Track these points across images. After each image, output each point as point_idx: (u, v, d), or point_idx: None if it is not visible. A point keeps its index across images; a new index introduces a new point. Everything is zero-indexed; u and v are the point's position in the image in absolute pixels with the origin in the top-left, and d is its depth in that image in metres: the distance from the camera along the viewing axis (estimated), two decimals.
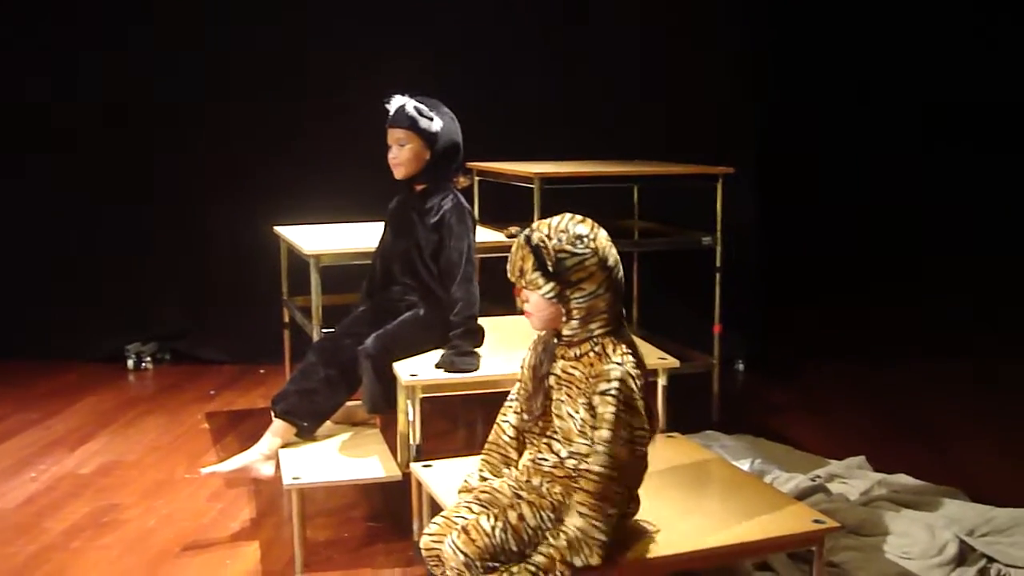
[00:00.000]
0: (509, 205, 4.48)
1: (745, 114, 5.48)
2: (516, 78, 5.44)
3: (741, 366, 5.40)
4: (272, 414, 3.31)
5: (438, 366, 3.09)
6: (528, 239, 2.23)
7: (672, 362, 3.11)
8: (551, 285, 2.21)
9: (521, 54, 5.44)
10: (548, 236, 2.22)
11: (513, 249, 2.27)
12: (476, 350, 3.14)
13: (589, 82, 5.48)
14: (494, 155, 4.76)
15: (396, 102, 3.30)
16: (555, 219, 2.26)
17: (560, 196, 3.99)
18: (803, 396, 4.98)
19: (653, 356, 3.14)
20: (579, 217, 2.27)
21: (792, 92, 6.25)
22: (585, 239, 2.22)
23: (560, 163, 4.67)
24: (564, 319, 2.25)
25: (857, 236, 6.67)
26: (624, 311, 2.30)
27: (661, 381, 3.08)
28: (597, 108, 5.45)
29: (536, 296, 2.25)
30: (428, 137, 3.26)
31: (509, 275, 2.29)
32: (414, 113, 3.24)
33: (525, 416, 2.37)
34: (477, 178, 4.73)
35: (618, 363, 2.20)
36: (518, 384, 2.43)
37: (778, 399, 4.92)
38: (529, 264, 2.22)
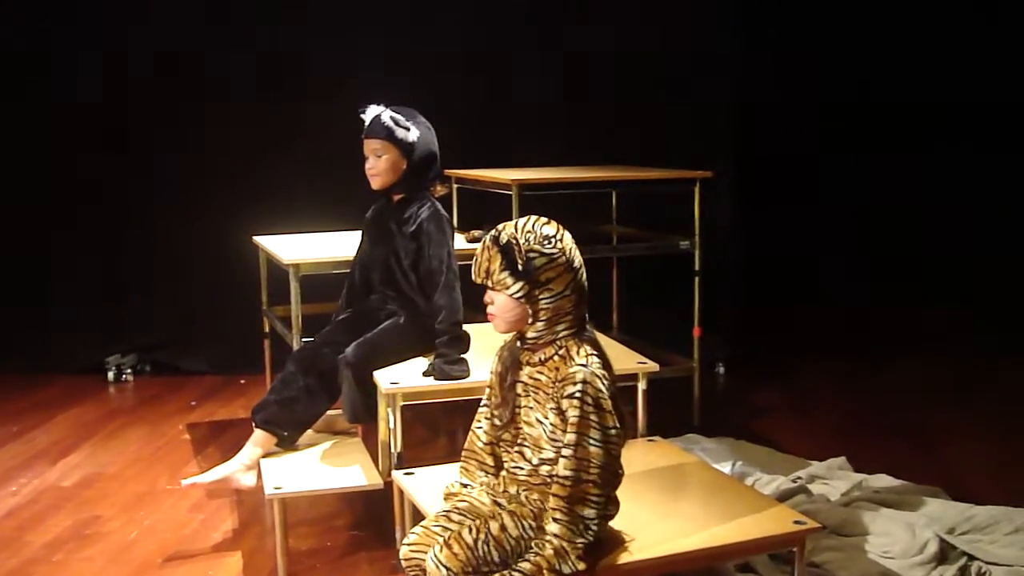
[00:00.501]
0: (487, 212, 4.49)
1: (722, 116, 5.51)
2: (492, 83, 5.47)
3: (721, 369, 5.41)
4: (253, 424, 3.30)
5: (427, 374, 3.09)
6: (496, 239, 2.24)
7: (652, 366, 3.11)
8: (520, 284, 2.22)
9: (498, 59, 5.47)
10: (516, 236, 2.23)
11: (479, 250, 2.28)
12: (464, 356, 3.15)
13: (568, 87, 5.50)
14: (471, 162, 4.77)
15: (371, 112, 3.31)
16: (520, 221, 2.28)
17: (538, 202, 3.99)
18: (784, 398, 5.00)
19: (632, 360, 3.15)
20: (544, 219, 2.29)
21: (769, 93, 6.29)
22: (553, 239, 2.24)
23: (538, 169, 4.68)
24: (530, 320, 2.26)
25: (839, 236, 6.72)
26: (587, 315, 2.31)
27: (641, 385, 3.09)
28: (577, 113, 5.47)
29: (502, 297, 2.25)
30: (405, 147, 3.27)
31: (474, 276, 2.29)
32: (390, 123, 3.25)
33: (496, 423, 2.38)
34: (455, 185, 4.74)
35: (583, 364, 2.20)
36: (488, 390, 2.44)
37: (759, 401, 4.94)
38: (496, 264, 2.23)
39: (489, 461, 2.42)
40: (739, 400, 4.97)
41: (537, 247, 2.22)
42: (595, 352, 2.24)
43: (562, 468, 2.16)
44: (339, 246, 3.90)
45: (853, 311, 6.47)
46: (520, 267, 2.21)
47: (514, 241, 2.22)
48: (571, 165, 4.92)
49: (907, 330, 6.18)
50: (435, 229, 3.26)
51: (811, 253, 6.63)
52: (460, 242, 3.98)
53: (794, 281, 6.49)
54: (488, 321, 2.32)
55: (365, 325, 3.32)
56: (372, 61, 5.29)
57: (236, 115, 5.38)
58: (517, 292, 2.23)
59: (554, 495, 2.17)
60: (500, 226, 2.28)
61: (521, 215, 3.95)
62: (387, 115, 3.25)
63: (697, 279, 4.42)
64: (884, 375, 5.35)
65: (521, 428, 2.31)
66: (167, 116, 5.40)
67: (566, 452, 2.16)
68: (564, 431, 2.19)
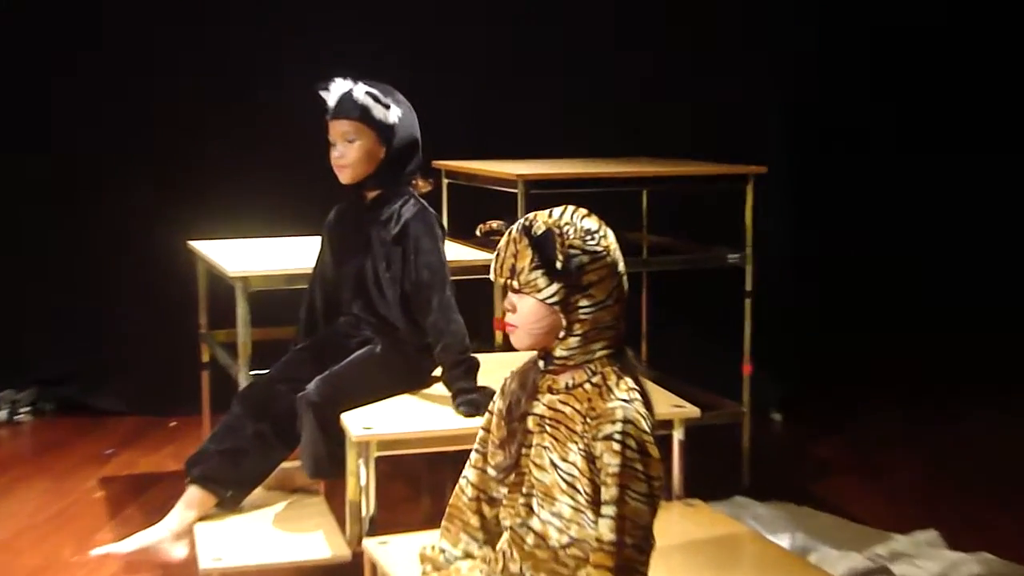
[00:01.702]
0: (485, 215, 4.48)
1: (777, 106, 5.52)
2: (493, 58, 5.48)
3: (777, 415, 5.42)
4: (186, 480, 3.29)
5: (463, 413, 3.10)
6: (527, 229, 2.22)
7: (691, 411, 3.11)
8: (556, 287, 2.20)
9: (498, 28, 5.49)
10: (558, 225, 2.22)
11: (503, 243, 2.26)
12: (486, 386, 3.14)
13: (583, 65, 5.52)
14: (466, 153, 4.77)
15: (339, 88, 3.30)
16: (555, 211, 2.27)
17: (550, 203, 4.00)
18: (856, 452, 5.00)
19: (666, 403, 3.15)
20: (583, 210, 2.28)
21: (837, 79, 6.32)
22: (596, 235, 2.23)
23: (549, 162, 4.70)
24: (562, 334, 2.24)
25: (924, 249, 6.72)
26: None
27: (677, 434, 3.08)
28: (595, 96, 5.50)
29: (530, 302, 2.23)
30: (383, 130, 3.27)
31: (495, 275, 2.27)
32: (366, 100, 3.24)
33: (492, 471, 2.36)
34: (446, 181, 4.75)
35: (624, 400, 2.19)
36: (481, 432, 2.43)
37: (825, 456, 4.93)
38: (527, 260, 2.21)
39: (473, 521, 2.40)
40: (800, 454, 4.97)
41: (578, 242, 2.21)
42: (638, 387, 2.24)
43: (605, 530, 2.15)
44: (298, 254, 3.90)
45: (946, 339, 6.47)
46: (559, 265, 2.20)
47: (557, 230, 2.21)
48: (590, 157, 4.94)
49: (1016, 364, 6.18)
50: (423, 231, 3.25)
51: (891, 269, 6.63)
52: (465, 253, 4.00)
53: (870, 304, 6.50)
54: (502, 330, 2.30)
55: (331, 355, 3.31)
56: (335, 27, 5.30)
57: (162, 93, 5.38)
58: (552, 296, 2.21)
59: (597, 566, 2.15)
60: (530, 215, 2.27)
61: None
62: (361, 90, 3.25)
63: (748, 301, 4.42)
64: (985, 422, 5.34)
65: (527, 473, 2.29)
66: (78, 101, 5.40)
67: (607, 511, 2.14)
68: (590, 479, 2.18)
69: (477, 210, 4.62)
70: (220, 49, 5.36)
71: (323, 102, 3.33)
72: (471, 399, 3.12)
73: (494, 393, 2.93)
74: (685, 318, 5.28)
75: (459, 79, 5.40)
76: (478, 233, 2.48)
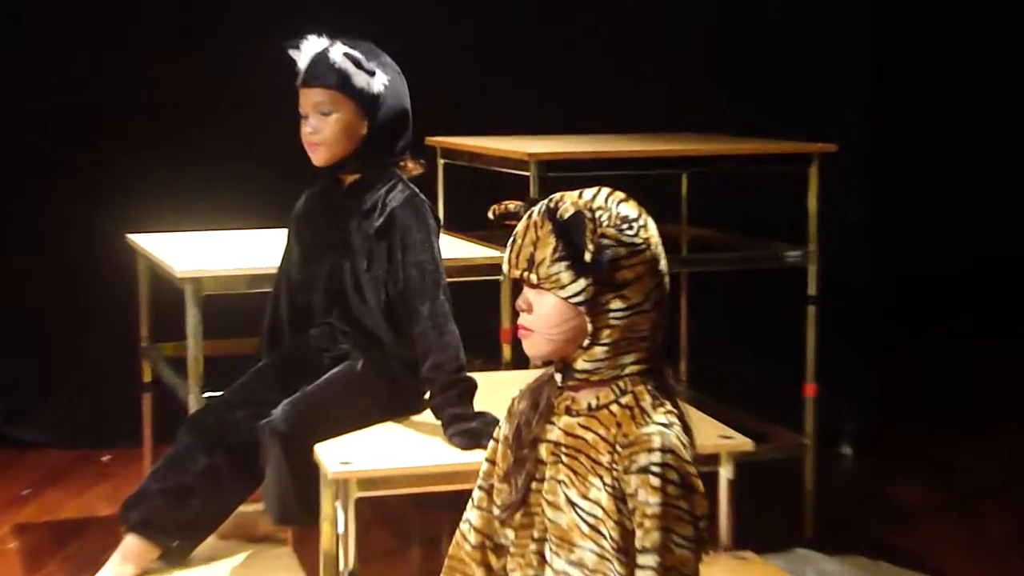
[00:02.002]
0: (489, 202, 4.49)
1: (850, 69, 5.53)
2: (499, 9, 5.49)
3: (848, 449, 5.42)
4: (123, 527, 3.29)
5: (458, 446, 3.08)
6: (552, 212, 2.21)
7: (742, 443, 3.11)
8: (583, 283, 2.19)
9: None
10: (590, 207, 2.21)
11: (521, 227, 2.26)
12: (484, 411, 3.14)
13: (608, 20, 5.53)
14: (466, 128, 4.79)
15: (312, 47, 3.30)
16: (586, 192, 2.26)
17: (568, 189, 4.01)
18: (947, 494, 5.00)
19: (711, 433, 3.14)
20: (620, 193, 2.27)
21: (932, 33, 6.33)
22: (634, 224, 2.22)
23: (567, 138, 4.71)
24: (586, 342, 2.24)
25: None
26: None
27: (726, 472, 3.08)
28: (621, 59, 5.51)
29: (551, 301, 2.22)
30: (366, 101, 3.27)
31: (509, 266, 2.27)
32: (345, 65, 3.24)
33: (496, 511, 2.37)
34: (441, 161, 4.75)
35: (662, 424, 2.20)
36: (485, 465, 2.43)
37: (907, 499, 4.94)
38: (548, 250, 2.20)
39: (477, 574, 2.42)
40: (876, 496, 4.97)
41: (613, 231, 2.21)
42: (676, 412, 2.24)
43: None
44: (261, 250, 3.91)
45: None
46: (588, 257, 2.21)
47: (587, 215, 2.21)
48: (617, 133, 4.95)
49: None
50: (414, 223, 3.26)
51: (992, 269, 6.62)
52: (463, 249, 4.00)
53: (965, 312, 6.49)
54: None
55: (301, 374, 3.32)
56: None
57: (93, 63, 5.41)
58: (577, 294, 2.21)
59: None
60: (556, 196, 2.26)
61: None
62: (339, 52, 3.25)
63: (811, 308, 4.42)
64: None
65: (538, 514, 2.31)
66: None
67: (647, 560, 2.15)
68: (617, 521, 2.18)
69: (479, 198, 4.64)
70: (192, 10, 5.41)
71: (292, 65, 3.33)
72: (468, 428, 3.10)
73: (496, 421, 2.94)
74: (733, 329, 5.30)
75: (458, 36, 5.41)
76: (491, 216, 2.45)
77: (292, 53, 3.33)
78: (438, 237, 3.34)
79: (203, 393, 3.62)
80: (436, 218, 3.35)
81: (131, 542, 3.27)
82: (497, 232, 2.92)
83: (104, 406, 5.27)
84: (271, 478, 3.18)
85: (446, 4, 5.43)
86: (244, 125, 5.20)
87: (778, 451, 4.46)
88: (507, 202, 2.87)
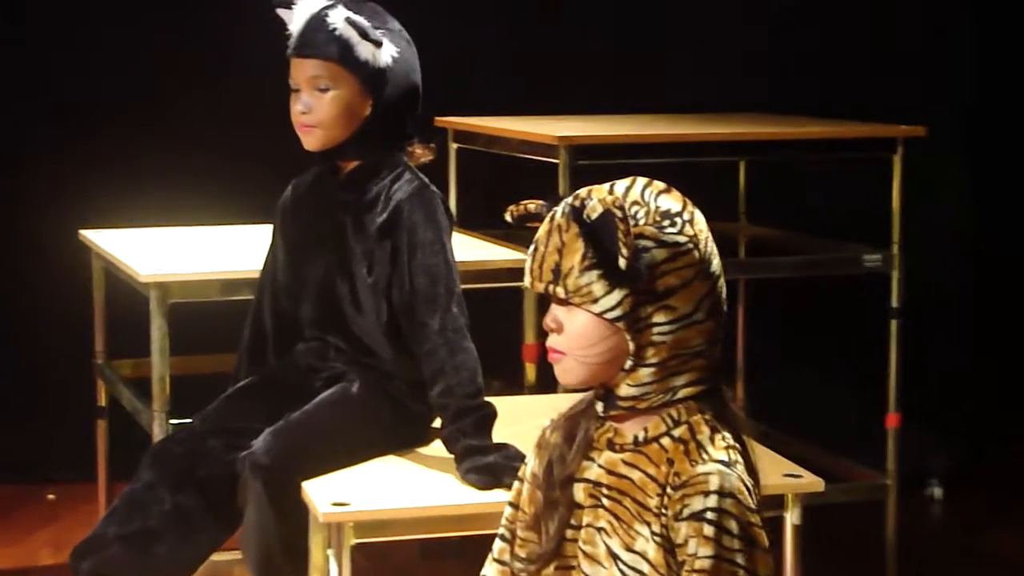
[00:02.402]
0: (510, 194, 4.51)
1: (944, 40, 5.55)
2: None
3: (938, 490, 5.42)
4: None
5: (473, 484, 3.08)
6: (577, 212, 2.22)
7: (812, 482, 3.12)
8: (620, 295, 2.20)
9: None
10: (622, 205, 2.20)
11: (543, 232, 2.26)
12: (504, 443, 3.15)
13: None
14: (485, 108, 4.80)
15: (307, 8, 3.29)
16: (617, 185, 2.27)
17: (602, 178, 4.02)
18: None
19: (775, 470, 3.13)
20: (659, 184, 2.28)
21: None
22: (678, 220, 2.23)
23: (603, 120, 4.72)
24: (629, 364, 2.24)
25: None
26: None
27: (791, 517, 3.09)
28: (664, 27, 5.54)
29: (583, 318, 2.23)
30: (371, 77, 3.27)
31: (532, 278, 2.27)
32: (348, 32, 3.23)
33: (520, 565, 2.37)
34: (455, 146, 4.77)
35: (722, 462, 2.20)
36: (508, 509, 2.44)
37: (1004, 548, 4.94)
38: (577, 257, 2.20)
39: None
40: (968, 544, 4.98)
41: (652, 230, 2.22)
42: (739, 446, 2.25)
43: None
44: (238, 251, 3.94)
45: None
46: (623, 263, 2.21)
47: (619, 213, 2.20)
48: (661, 113, 4.97)
49: None
50: (423, 219, 3.27)
51: None
52: (480, 251, 4.01)
53: None
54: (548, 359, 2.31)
55: (286, 398, 3.33)
56: None
57: (43, 40, 5.45)
58: (613, 308, 2.21)
59: None
60: (581, 192, 2.27)
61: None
62: (340, 16, 3.24)
63: (895, 323, 4.44)
64: None
65: (575, 567, 2.31)
66: None
67: None
68: None
69: (499, 189, 4.68)
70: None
71: (283, 28, 3.34)
72: (485, 463, 3.10)
73: (519, 455, 2.96)
74: (800, 346, 5.30)
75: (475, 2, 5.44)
76: (508, 218, 2.46)
77: (282, 13, 3.32)
78: (451, 236, 3.34)
79: (169, 420, 3.64)
80: (449, 214, 3.36)
81: None
82: (519, 232, 2.93)
83: (50, 433, 5.30)
84: (251, 521, 3.19)
85: None
86: (219, 102, 5.21)
87: (854, 492, 4.48)
88: (527, 202, 2.87)
